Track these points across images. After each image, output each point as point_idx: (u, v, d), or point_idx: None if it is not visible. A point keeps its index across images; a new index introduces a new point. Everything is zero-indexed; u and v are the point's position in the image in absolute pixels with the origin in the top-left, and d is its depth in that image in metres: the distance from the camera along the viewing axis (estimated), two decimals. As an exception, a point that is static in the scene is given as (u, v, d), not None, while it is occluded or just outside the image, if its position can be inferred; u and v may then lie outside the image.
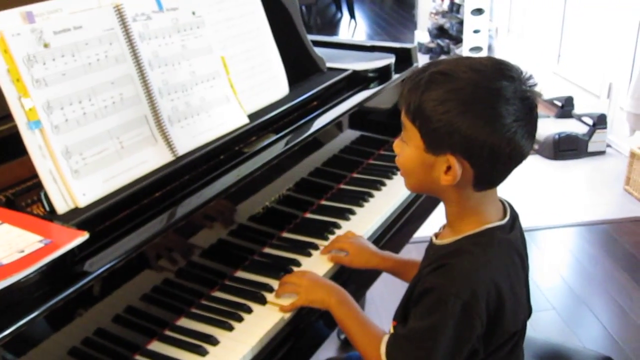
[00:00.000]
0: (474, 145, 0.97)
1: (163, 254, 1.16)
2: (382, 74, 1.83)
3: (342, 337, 2.28)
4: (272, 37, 1.58)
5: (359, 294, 1.53)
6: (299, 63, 1.70)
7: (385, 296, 2.39)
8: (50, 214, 1.06)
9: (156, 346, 1.13)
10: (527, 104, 0.98)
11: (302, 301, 1.22)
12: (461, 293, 0.98)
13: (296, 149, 1.45)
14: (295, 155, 1.46)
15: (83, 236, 0.96)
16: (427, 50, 5.91)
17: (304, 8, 7.20)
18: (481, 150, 0.97)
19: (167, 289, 1.18)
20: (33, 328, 0.92)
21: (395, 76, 1.87)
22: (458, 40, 5.56)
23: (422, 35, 6.17)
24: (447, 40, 5.80)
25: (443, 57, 5.78)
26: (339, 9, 8.08)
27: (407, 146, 1.05)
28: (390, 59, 1.87)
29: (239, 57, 1.48)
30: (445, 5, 5.83)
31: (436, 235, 1.14)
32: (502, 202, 1.12)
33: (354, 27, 7.58)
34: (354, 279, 1.42)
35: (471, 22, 5.32)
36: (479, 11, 5.26)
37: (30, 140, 1.04)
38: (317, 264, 1.37)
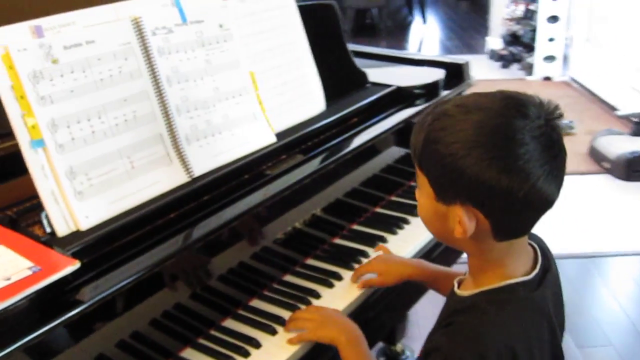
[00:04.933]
0: (483, 191, 0.86)
1: (165, 282, 1.10)
2: (430, 91, 1.72)
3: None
4: (309, 51, 1.50)
5: (392, 321, 1.41)
6: (339, 78, 1.62)
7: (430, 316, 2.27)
8: (51, 236, 1.03)
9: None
10: (545, 142, 0.86)
11: (310, 336, 1.15)
12: (466, 357, 0.88)
13: (323, 171, 1.37)
14: (323, 177, 1.38)
15: (73, 265, 0.91)
16: (499, 57, 5.67)
17: (374, 11, 7.08)
18: (492, 197, 0.86)
19: (173, 318, 1.12)
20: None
21: (444, 93, 1.76)
22: (532, 49, 5.32)
23: (494, 42, 5.93)
24: (520, 48, 5.55)
25: (515, 65, 5.57)
26: (411, 12, 7.90)
27: (421, 194, 0.96)
28: (439, 75, 1.75)
29: (271, 72, 1.41)
30: (520, 11, 5.57)
31: (459, 282, 1.04)
32: (534, 248, 1.00)
33: (425, 31, 7.41)
34: (385, 307, 1.35)
35: (545, 29, 5.08)
36: (554, 18, 5.02)
37: (32, 159, 1.00)
38: (338, 296, 1.28)
